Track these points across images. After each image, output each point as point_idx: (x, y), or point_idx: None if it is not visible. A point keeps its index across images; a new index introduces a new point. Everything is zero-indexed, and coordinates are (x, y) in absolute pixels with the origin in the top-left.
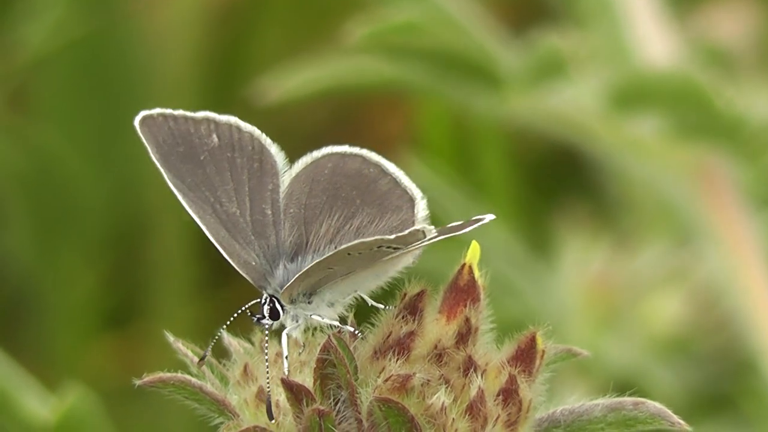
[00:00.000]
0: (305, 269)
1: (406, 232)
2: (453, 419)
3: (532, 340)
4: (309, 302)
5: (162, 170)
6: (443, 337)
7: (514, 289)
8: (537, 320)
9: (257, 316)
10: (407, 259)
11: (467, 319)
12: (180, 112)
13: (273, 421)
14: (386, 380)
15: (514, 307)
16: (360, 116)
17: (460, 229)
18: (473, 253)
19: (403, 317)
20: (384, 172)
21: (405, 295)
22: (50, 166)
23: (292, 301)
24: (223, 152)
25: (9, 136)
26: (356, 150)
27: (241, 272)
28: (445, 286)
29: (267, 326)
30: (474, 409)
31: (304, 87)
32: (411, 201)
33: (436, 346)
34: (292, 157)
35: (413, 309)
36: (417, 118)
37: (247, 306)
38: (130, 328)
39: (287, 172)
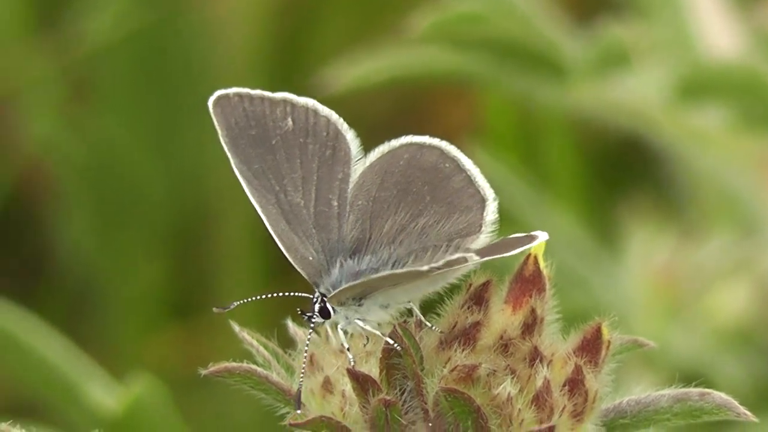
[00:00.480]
0: (349, 285)
1: (443, 261)
2: (519, 409)
3: (598, 331)
4: (360, 305)
5: (229, 155)
6: (509, 327)
7: (579, 280)
8: (602, 311)
9: (308, 314)
10: (467, 268)
11: (533, 310)
12: (258, 91)
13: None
14: (452, 370)
15: (580, 298)
16: (424, 106)
17: (508, 251)
18: (538, 243)
19: (468, 307)
20: (459, 168)
21: (470, 285)
22: (113, 158)
23: (341, 304)
24: (296, 137)
25: (71, 127)
26: (436, 141)
27: (296, 267)
28: (511, 277)
29: (317, 324)
30: (540, 400)
31: (368, 77)
32: (482, 202)
33: (501, 337)
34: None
35: (479, 299)
36: (482, 108)
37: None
38: (195, 319)
39: (360, 161)
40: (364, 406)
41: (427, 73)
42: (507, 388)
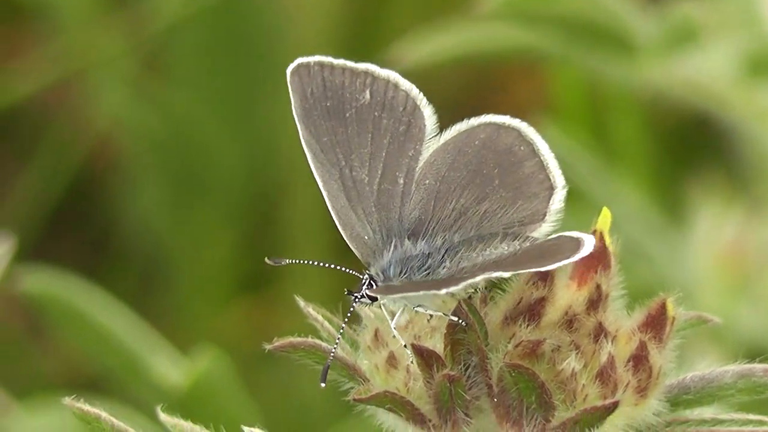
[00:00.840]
0: (400, 295)
1: (462, 285)
2: (583, 385)
3: (663, 307)
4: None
5: (299, 126)
6: (574, 303)
7: (646, 256)
8: (668, 287)
9: (355, 294)
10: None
11: (598, 286)
12: (341, 60)
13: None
14: (516, 346)
15: (646, 273)
16: (495, 83)
17: (553, 263)
18: (604, 219)
19: (533, 283)
20: (534, 153)
21: None
22: (185, 131)
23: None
24: (370, 111)
25: (145, 99)
26: (515, 122)
27: (350, 245)
28: None
29: (362, 304)
30: (604, 375)
31: (439, 53)
32: (551, 189)
33: (566, 313)
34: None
35: (544, 275)
36: (552, 84)
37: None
38: (265, 293)
39: (433, 139)
40: (428, 382)
41: (497, 50)
42: (571, 363)
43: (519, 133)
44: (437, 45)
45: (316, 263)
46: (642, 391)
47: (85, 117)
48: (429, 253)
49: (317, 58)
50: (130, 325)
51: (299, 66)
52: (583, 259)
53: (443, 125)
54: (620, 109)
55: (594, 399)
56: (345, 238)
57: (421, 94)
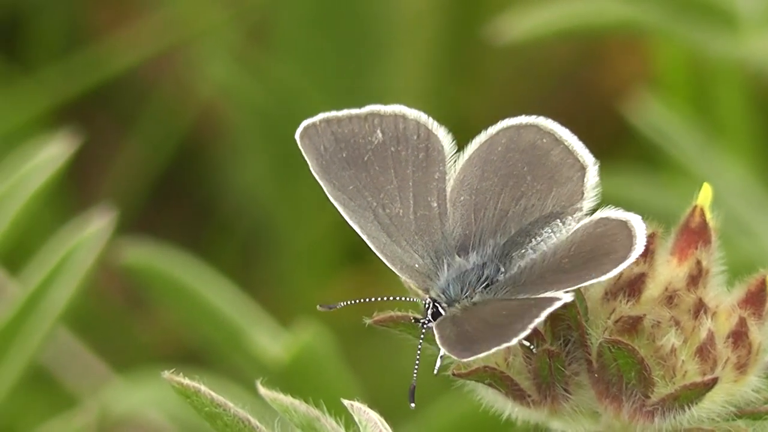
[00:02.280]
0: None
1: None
2: (683, 361)
3: (763, 283)
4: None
5: (322, 183)
6: (674, 279)
7: (748, 230)
8: None
9: (422, 321)
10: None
11: (698, 262)
12: (344, 111)
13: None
14: (616, 321)
15: (748, 247)
16: (598, 57)
17: (611, 268)
18: (705, 194)
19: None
20: (557, 141)
21: None
22: (290, 101)
23: (456, 302)
24: (386, 148)
25: (250, 70)
26: (531, 119)
27: (403, 277)
28: (677, 228)
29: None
30: (704, 352)
31: (542, 27)
32: (582, 169)
33: (666, 288)
34: (534, 97)
35: (645, 251)
36: (655, 58)
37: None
38: (368, 265)
39: (454, 157)
40: (527, 357)
41: (600, 24)
42: (671, 339)
43: (538, 128)
44: (539, 19)
45: (368, 300)
46: (741, 367)
47: (190, 87)
48: (483, 263)
49: (321, 116)
50: (231, 298)
51: (306, 128)
52: (683, 234)
53: (549, 100)
54: (723, 83)
55: (693, 375)
56: (398, 273)
57: (430, 118)
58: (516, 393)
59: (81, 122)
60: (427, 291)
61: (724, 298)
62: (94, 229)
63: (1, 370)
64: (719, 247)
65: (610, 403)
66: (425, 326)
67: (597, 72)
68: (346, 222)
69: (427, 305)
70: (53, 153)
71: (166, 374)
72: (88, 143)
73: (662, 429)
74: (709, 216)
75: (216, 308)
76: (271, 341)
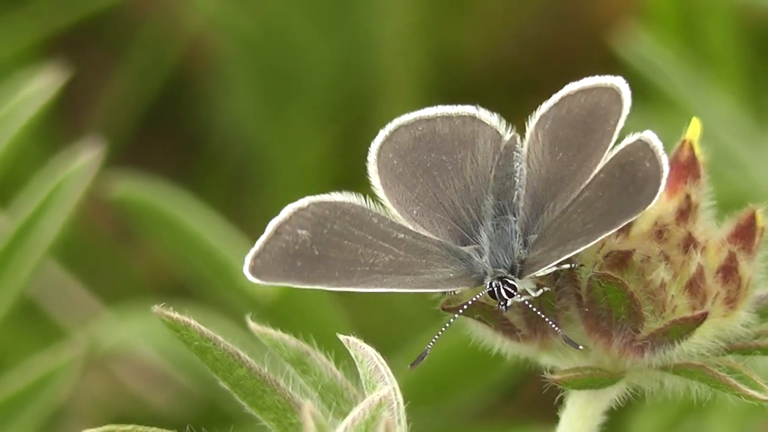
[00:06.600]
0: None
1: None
2: (672, 296)
3: (753, 217)
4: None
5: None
6: (663, 213)
7: (737, 163)
8: (760, 194)
9: (501, 305)
10: None
11: (688, 196)
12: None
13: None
14: (606, 256)
15: (738, 181)
16: None
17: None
18: (694, 129)
19: None
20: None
21: None
22: (279, 31)
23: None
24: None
25: (238, 2)
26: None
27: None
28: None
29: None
30: (693, 286)
31: None
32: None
33: (656, 223)
34: (523, 28)
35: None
36: None
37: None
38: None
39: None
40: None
41: None
42: (661, 274)
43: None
44: None
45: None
46: (731, 302)
47: (179, 19)
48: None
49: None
50: (220, 231)
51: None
52: (673, 169)
53: (539, 31)
54: (712, 15)
55: (683, 310)
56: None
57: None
58: (505, 328)
59: (71, 54)
60: (480, 279)
61: (713, 233)
62: (83, 161)
63: None
64: (708, 182)
65: (600, 338)
66: (508, 308)
67: (587, 3)
68: (335, 154)
69: (495, 288)
70: (42, 85)
71: (156, 308)
72: (77, 75)
73: (652, 364)
74: (698, 150)
75: (205, 241)
76: None
